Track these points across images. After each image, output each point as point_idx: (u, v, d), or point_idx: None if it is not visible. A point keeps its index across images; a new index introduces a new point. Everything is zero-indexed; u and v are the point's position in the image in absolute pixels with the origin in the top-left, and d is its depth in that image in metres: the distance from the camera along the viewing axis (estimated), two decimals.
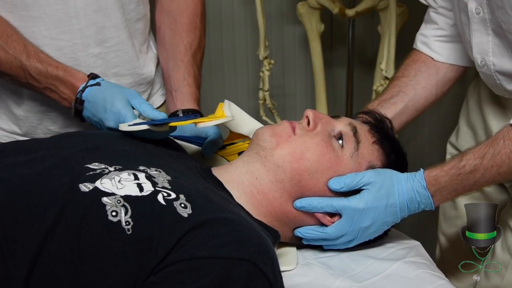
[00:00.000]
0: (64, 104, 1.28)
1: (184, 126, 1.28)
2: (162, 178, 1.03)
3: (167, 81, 1.44)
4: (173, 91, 1.41)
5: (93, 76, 1.28)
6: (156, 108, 1.48)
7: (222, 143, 1.31)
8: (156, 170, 1.05)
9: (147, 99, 1.47)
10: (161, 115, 1.19)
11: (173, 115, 1.38)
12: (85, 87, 1.25)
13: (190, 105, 1.39)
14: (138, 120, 1.20)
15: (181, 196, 0.99)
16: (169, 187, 1.01)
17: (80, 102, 1.25)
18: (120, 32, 1.36)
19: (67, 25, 1.29)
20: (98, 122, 1.24)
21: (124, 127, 1.17)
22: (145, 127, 1.14)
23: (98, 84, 1.26)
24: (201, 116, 1.36)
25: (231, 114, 1.20)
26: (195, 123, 1.17)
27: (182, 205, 0.98)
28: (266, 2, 2.24)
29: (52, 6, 1.27)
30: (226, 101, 1.26)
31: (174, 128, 1.22)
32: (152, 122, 1.16)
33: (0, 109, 1.37)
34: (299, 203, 1.14)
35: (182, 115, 1.37)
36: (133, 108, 1.22)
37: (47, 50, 1.29)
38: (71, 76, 1.27)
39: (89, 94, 1.24)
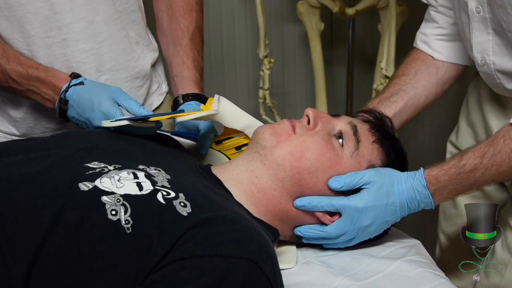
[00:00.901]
0: (47, 105, 1.28)
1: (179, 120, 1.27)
2: (162, 177, 1.03)
3: (169, 68, 1.44)
4: (175, 76, 1.41)
5: (75, 75, 1.27)
6: (155, 109, 1.48)
7: (213, 137, 1.31)
8: (155, 169, 1.05)
9: (145, 98, 1.47)
10: (147, 112, 1.19)
11: (175, 102, 1.38)
12: (69, 86, 1.25)
13: (191, 88, 1.38)
14: (125, 117, 1.20)
15: (181, 195, 0.99)
16: (169, 186, 1.01)
17: (64, 102, 1.25)
18: (111, 25, 1.34)
19: (53, 22, 1.28)
20: (84, 121, 1.24)
21: (106, 123, 1.17)
22: (125, 122, 1.14)
23: (81, 83, 1.25)
24: (203, 98, 1.36)
25: (217, 108, 1.19)
26: (174, 117, 1.16)
27: (182, 204, 0.98)
28: (266, 1, 2.23)
29: (35, 4, 1.26)
30: (216, 96, 1.25)
31: (160, 124, 1.21)
32: (132, 118, 1.16)
33: None
34: (299, 202, 1.14)
35: (182, 100, 1.36)
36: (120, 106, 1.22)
37: (37, 49, 1.29)
38: (53, 76, 1.26)
39: (74, 93, 1.24)
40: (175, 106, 1.38)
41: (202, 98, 1.37)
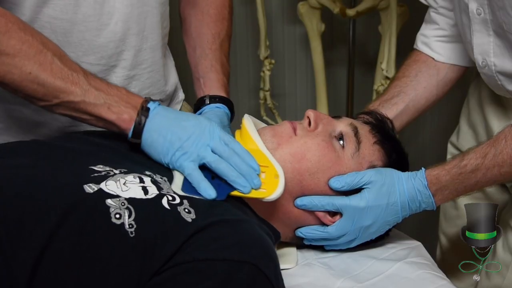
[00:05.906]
0: (123, 121, 1.11)
1: None
2: (167, 185, 1.03)
3: (195, 69, 1.41)
4: (201, 78, 1.38)
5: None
6: None
7: None
8: (161, 178, 1.05)
9: None
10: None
11: (200, 101, 1.33)
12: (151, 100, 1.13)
13: (218, 91, 1.34)
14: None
15: (185, 201, 1.00)
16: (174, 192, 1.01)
17: (146, 110, 1.10)
18: (156, 52, 1.34)
19: (106, 50, 1.26)
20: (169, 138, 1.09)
21: (177, 188, 1.05)
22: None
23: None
24: (229, 102, 1.32)
25: (283, 178, 1.09)
26: (262, 198, 1.07)
27: (186, 210, 0.98)
28: (267, 2, 2.24)
29: (92, 32, 1.24)
30: (247, 117, 1.20)
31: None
32: (216, 198, 1.05)
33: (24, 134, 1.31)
34: (300, 201, 1.14)
35: (208, 101, 1.31)
36: None
37: None
38: (134, 94, 1.14)
39: (161, 107, 1.12)
40: (200, 105, 1.33)
41: (228, 102, 1.33)
